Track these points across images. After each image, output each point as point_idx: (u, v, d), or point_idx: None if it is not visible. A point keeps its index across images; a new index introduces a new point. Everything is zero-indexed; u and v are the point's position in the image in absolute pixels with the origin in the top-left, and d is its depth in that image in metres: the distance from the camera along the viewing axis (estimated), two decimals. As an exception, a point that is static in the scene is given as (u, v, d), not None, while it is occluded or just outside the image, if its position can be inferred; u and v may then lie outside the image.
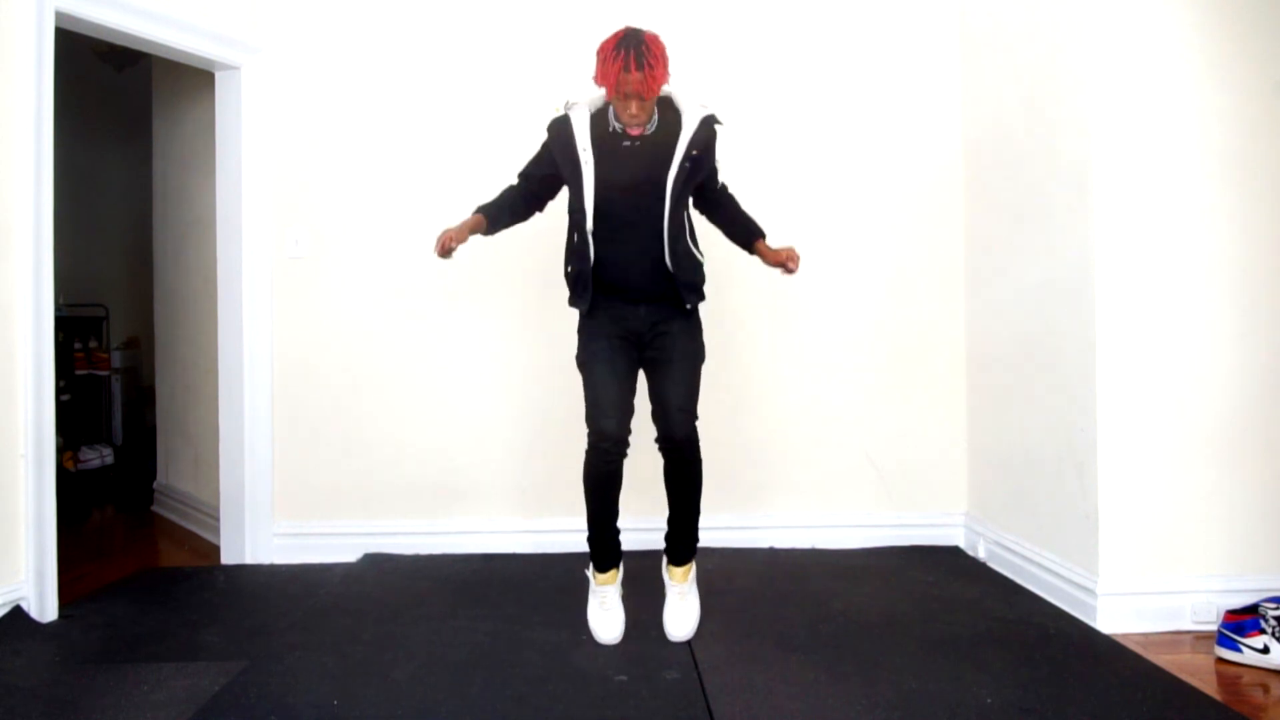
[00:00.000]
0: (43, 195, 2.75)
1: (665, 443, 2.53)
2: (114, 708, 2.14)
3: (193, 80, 3.76)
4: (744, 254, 3.55)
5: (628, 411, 2.49)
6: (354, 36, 3.55)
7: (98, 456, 5.02)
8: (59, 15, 2.80)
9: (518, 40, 3.56)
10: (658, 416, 2.52)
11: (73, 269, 4.70)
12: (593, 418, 2.49)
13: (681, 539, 2.63)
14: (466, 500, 3.55)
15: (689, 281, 2.53)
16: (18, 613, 2.69)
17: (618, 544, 2.64)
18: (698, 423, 2.54)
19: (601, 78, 2.39)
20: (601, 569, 2.63)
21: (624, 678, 2.30)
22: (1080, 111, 2.76)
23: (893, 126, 3.61)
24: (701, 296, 2.59)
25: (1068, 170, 2.83)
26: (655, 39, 2.41)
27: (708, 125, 2.52)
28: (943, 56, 3.61)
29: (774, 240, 3.54)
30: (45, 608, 2.75)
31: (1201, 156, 2.68)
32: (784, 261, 2.58)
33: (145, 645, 2.57)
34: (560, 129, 2.52)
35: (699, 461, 2.56)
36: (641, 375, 2.59)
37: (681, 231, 2.52)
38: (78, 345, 5.34)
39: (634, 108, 2.38)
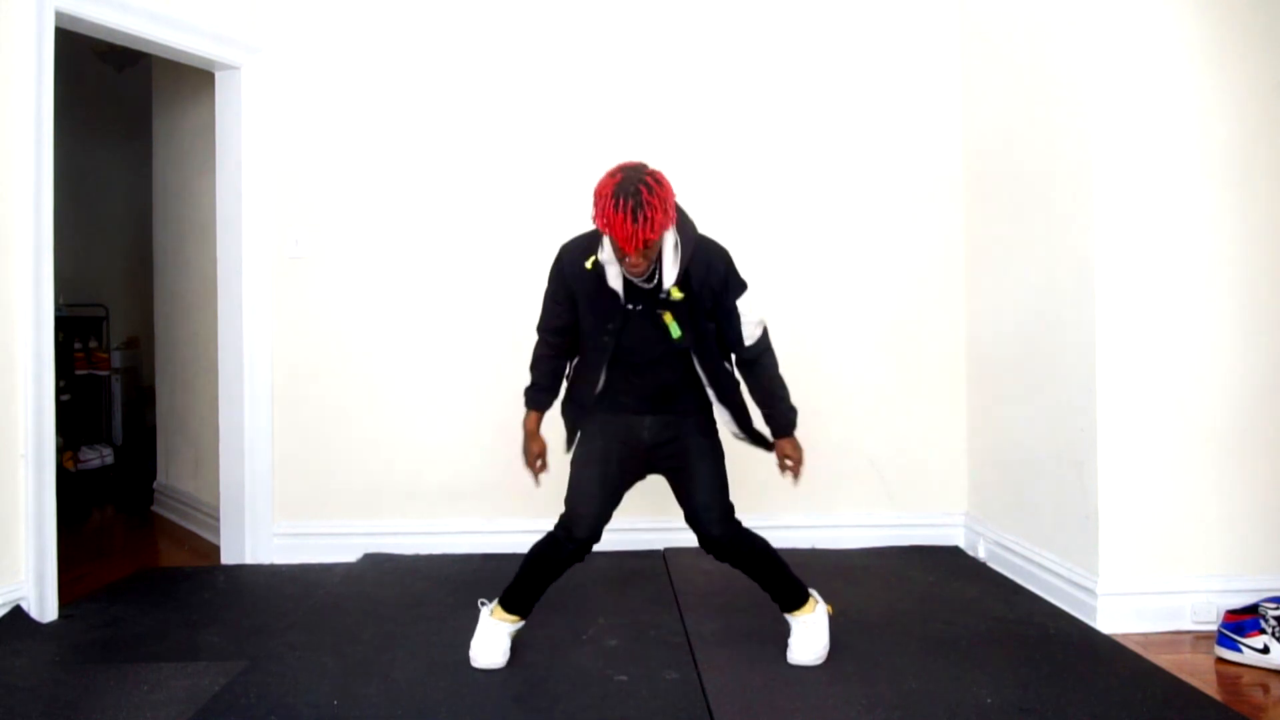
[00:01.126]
0: (43, 195, 2.75)
1: (708, 544, 2.42)
2: (114, 708, 2.13)
3: (193, 80, 3.76)
4: (744, 255, 3.55)
5: (605, 520, 2.41)
6: (354, 36, 3.55)
7: (98, 456, 5.02)
8: (59, 15, 2.80)
9: (517, 40, 3.56)
10: (692, 521, 2.42)
11: (73, 269, 4.71)
12: (568, 517, 2.39)
13: (782, 592, 2.49)
14: (466, 500, 3.55)
15: (738, 404, 2.44)
16: (18, 613, 2.69)
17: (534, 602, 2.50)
18: (735, 514, 2.45)
19: (602, 224, 2.15)
20: (509, 610, 2.44)
21: (624, 678, 2.30)
22: (1080, 112, 2.76)
23: (893, 128, 3.61)
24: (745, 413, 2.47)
25: (1068, 171, 2.83)
26: (658, 179, 2.14)
27: (697, 272, 2.27)
28: (943, 58, 3.61)
29: (776, 244, 3.57)
30: (45, 608, 2.75)
31: (1202, 157, 2.68)
32: (786, 464, 2.45)
33: (145, 645, 2.57)
34: (594, 282, 2.31)
35: (751, 540, 2.45)
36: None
37: (717, 369, 2.39)
38: (78, 345, 5.33)
39: (634, 257, 2.17)
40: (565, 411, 2.49)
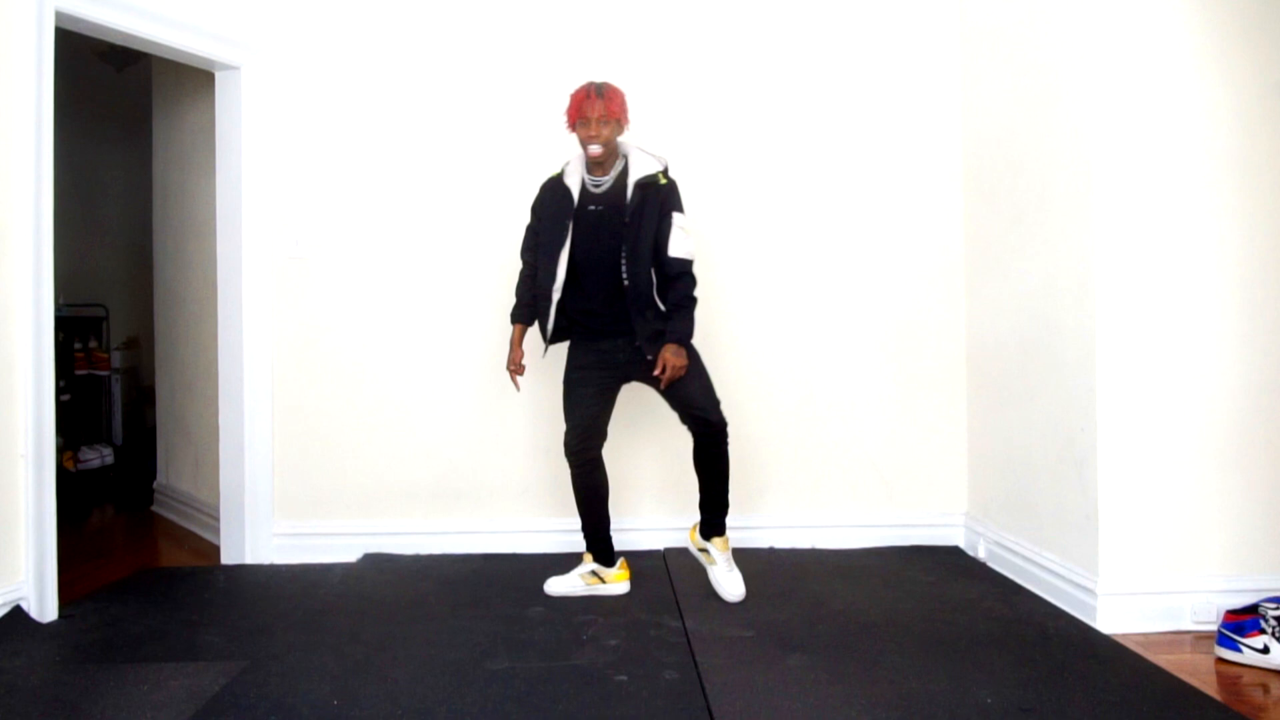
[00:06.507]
0: (43, 195, 2.75)
1: (704, 428, 2.82)
2: (114, 708, 2.14)
3: (193, 80, 3.76)
4: (744, 255, 3.58)
5: (599, 428, 2.93)
6: (354, 37, 3.55)
7: (98, 456, 5.02)
8: (59, 15, 2.80)
9: (515, 40, 3.56)
10: (691, 416, 2.82)
11: (73, 269, 4.71)
12: (569, 434, 2.91)
13: (721, 509, 2.94)
14: (466, 500, 3.55)
15: (653, 332, 2.79)
16: (18, 613, 2.69)
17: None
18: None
19: (570, 110, 2.81)
20: (590, 550, 3.04)
21: (624, 678, 2.30)
22: (1080, 111, 2.76)
23: (893, 127, 3.61)
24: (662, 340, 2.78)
25: (1068, 170, 2.83)
26: (614, 87, 2.84)
27: (643, 188, 2.81)
28: (943, 57, 3.61)
29: (776, 244, 3.58)
30: (45, 608, 2.75)
31: (1201, 156, 2.68)
32: (661, 371, 2.72)
33: (145, 645, 2.57)
34: (554, 191, 2.91)
35: (728, 440, 2.88)
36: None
37: (649, 289, 2.79)
38: (78, 345, 5.33)
39: (594, 128, 2.75)
40: (539, 318, 2.94)
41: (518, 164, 3.57)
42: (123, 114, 5.62)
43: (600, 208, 2.84)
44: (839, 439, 3.61)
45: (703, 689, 2.22)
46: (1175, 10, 2.67)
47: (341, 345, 3.54)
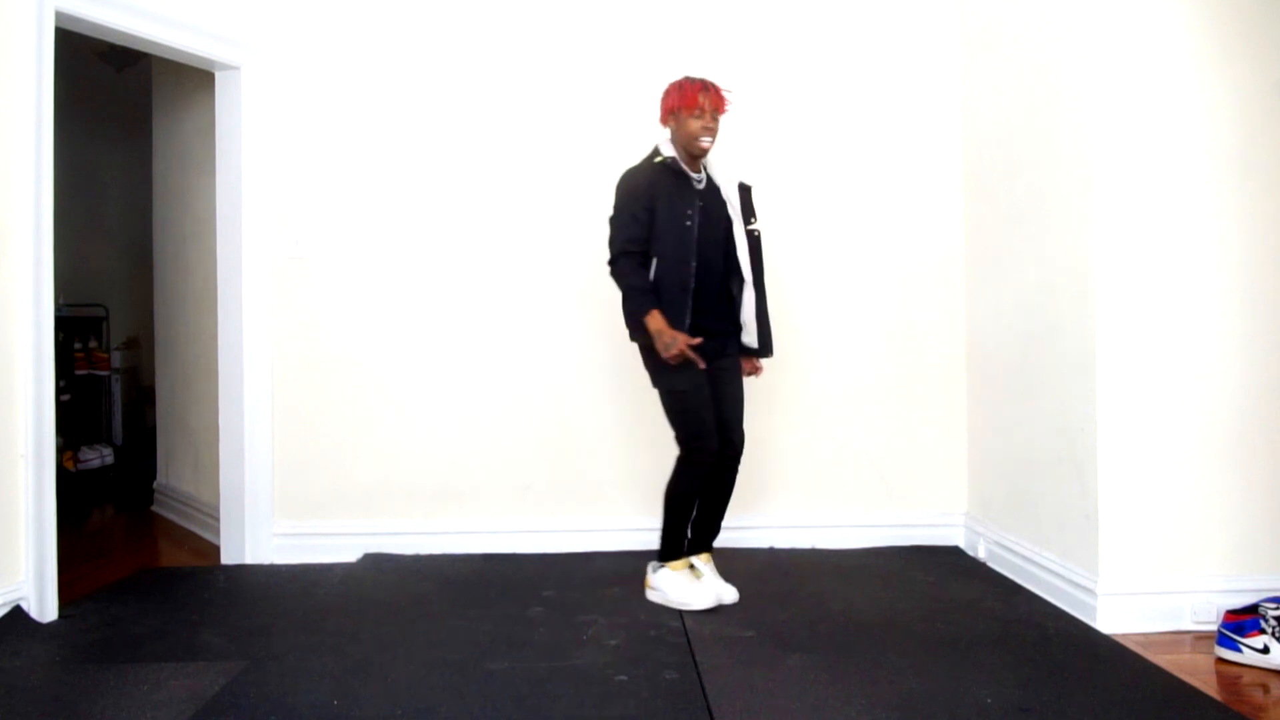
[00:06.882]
0: (43, 195, 2.75)
1: (728, 448, 2.84)
2: (114, 708, 2.14)
3: (193, 80, 3.76)
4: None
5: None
6: (354, 37, 3.55)
7: (98, 456, 5.02)
8: (59, 15, 2.80)
9: (518, 40, 3.56)
10: (722, 431, 2.81)
11: (73, 269, 4.71)
12: (701, 441, 2.76)
13: (715, 531, 2.98)
14: (466, 500, 3.55)
15: (767, 331, 2.90)
16: (18, 613, 2.69)
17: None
18: None
19: (680, 99, 2.73)
20: (677, 556, 2.89)
21: (624, 678, 2.30)
22: (1080, 111, 2.76)
23: (893, 127, 3.61)
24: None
25: (1068, 170, 2.83)
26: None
27: (748, 192, 2.88)
28: (943, 57, 3.62)
29: (776, 242, 3.58)
30: (45, 608, 2.75)
31: (1202, 156, 2.68)
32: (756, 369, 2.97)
33: (145, 645, 2.57)
34: (668, 176, 2.75)
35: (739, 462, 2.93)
36: None
37: (762, 291, 2.86)
38: (78, 345, 5.34)
39: (709, 119, 2.72)
40: (675, 310, 2.73)
41: (520, 164, 3.57)
42: (123, 114, 5.62)
43: (703, 203, 2.77)
44: (839, 439, 3.61)
45: (703, 689, 2.22)
46: (1175, 10, 2.67)
47: (341, 345, 3.54)
